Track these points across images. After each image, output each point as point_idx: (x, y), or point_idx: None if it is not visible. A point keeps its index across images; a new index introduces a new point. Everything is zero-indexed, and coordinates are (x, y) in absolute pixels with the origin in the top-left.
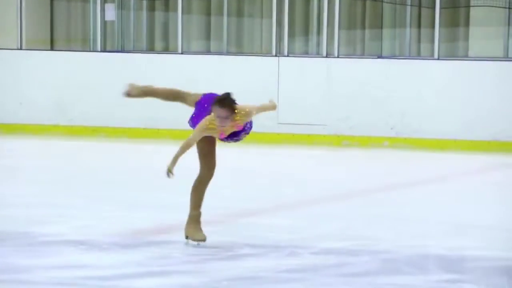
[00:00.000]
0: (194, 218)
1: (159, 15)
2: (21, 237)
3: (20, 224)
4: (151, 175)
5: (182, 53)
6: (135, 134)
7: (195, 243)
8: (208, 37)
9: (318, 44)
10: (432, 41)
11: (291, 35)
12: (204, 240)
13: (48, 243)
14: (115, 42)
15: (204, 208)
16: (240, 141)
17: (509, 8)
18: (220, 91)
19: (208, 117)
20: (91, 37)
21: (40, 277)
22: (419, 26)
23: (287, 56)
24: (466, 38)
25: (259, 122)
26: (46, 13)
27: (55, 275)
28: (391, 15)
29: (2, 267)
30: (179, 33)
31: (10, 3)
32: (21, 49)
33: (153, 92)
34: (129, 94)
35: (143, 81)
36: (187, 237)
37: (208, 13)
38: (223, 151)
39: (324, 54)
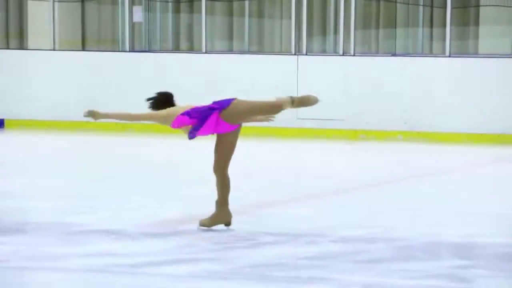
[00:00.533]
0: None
1: (184, 16)
2: (56, 227)
3: (54, 215)
4: (177, 167)
5: (206, 53)
6: (162, 129)
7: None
8: (230, 37)
9: (335, 43)
10: (443, 39)
11: (309, 34)
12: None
13: (81, 232)
14: (142, 43)
15: (232, 199)
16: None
17: None
18: (242, 88)
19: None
20: (120, 38)
21: (74, 265)
22: (431, 25)
23: (306, 54)
24: (476, 36)
25: (279, 117)
26: (77, 15)
27: (88, 263)
28: (404, 15)
29: (39, 255)
30: (203, 34)
31: (43, 6)
32: (54, 49)
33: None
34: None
35: (169, 80)
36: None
37: (230, 14)
38: (246, 145)
39: (341, 52)
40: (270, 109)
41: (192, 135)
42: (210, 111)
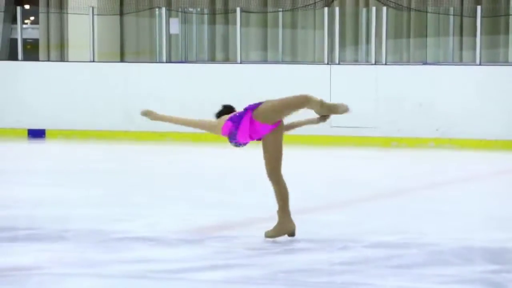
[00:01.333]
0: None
1: (219, 28)
2: (96, 235)
3: (94, 222)
4: (213, 175)
5: (241, 63)
6: (198, 138)
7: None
8: (265, 47)
9: (367, 52)
10: (474, 48)
11: (342, 44)
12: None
13: (119, 239)
14: (179, 54)
15: (264, 206)
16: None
17: None
18: (276, 97)
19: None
20: (157, 50)
21: (114, 271)
22: (461, 34)
23: (338, 64)
24: (506, 45)
25: (312, 126)
26: (116, 28)
27: (128, 269)
28: (435, 24)
29: (80, 262)
30: (238, 45)
31: (83, 19)
32: (93, 61)
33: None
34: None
35: (205, 90)
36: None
37: (264, 26)
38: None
39: (373, 61)
40: (298, 101)
41: (232, 140)
42: (243, 112)
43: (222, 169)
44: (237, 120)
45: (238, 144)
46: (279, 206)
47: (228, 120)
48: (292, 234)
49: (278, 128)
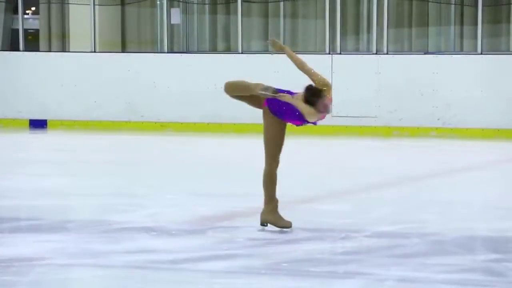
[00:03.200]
0: (274, 208)
1: (220, 18)
2: (98, 225)
3: (96, 213)
4: (214, 165)
5: (242, 53)
6: (199, 128)
7: (278, 229)
8: (266, 37)
9: (368, 42)
10: (475, 37)
11: (343, 34)
12: (290, 226)
13: (121, 230)
14: (180, 44)
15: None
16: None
17: None
18: (278, 86)
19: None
20: (158, 39)
21: (116, 261)
22: (462, 23)
23: (340, 53)
24: (508, 34)
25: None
26: (117, 18)
27: (129, 259)
28: (436, 13)
29: (82, 252)
30: (239, 34)
31: (84, 9)
32: (95, 51)
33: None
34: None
35: (206, 79)
36: (265, 224)
37: (266, 15)
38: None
39: (374, 51)
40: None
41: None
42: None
43: (224, 159)
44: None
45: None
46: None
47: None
48: (261, 223)
49: (265, 112)
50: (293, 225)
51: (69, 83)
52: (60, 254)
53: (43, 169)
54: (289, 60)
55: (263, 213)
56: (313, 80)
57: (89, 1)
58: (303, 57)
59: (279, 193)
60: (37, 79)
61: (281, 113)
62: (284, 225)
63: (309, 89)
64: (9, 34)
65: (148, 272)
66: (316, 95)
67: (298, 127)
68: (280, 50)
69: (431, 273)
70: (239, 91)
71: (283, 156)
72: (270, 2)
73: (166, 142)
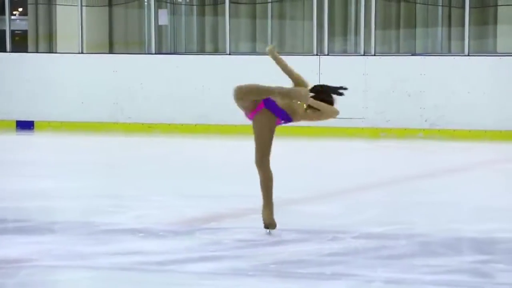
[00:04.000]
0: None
1: (208, 19)
2: (84, 226)
3: (82, 214)
4: (201, 167)
5: (230, 54)
6: (187, 130)
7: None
8: (254, 38)
9: (356, 43)
10: (462, 38)
11: (331, 35)
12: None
13: (108, 231)
14: (168, 45)
15: (253, 198)
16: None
17: None
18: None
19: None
20: (146, 41)
21: (103, 263)
22: (450, 25)
23: (327, 55)
24: (495, 35)
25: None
26: (105, 19)
27: (116, 261)
28: (423, 15)
29: (69, 254)
30: (227, 36)
31: (71, 10)
32: (82, 53)
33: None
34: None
35: (194, 81)
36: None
37: (253, 17)
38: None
39: (362, 52)
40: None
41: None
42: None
43: (211, 161)
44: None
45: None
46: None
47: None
48: (265, 226)
49: (259, 113)
50: (280, 227)
51: (56, 84)
52: (47, 256)
53: (29, 170)
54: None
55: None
56: (299, 85)
57: (76, 2)
58: (290, 59)
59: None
60: (24, 80)
61: (279, 113)
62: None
63: (321, 90)
64: None
65: (135, 273)
66: (330, 92)
67: (283, 126)
68: (273, 58)
69: (419, 274)
70: (258, 94)
71: (271, 157)
72: (258, 3)
73: (154, 144)
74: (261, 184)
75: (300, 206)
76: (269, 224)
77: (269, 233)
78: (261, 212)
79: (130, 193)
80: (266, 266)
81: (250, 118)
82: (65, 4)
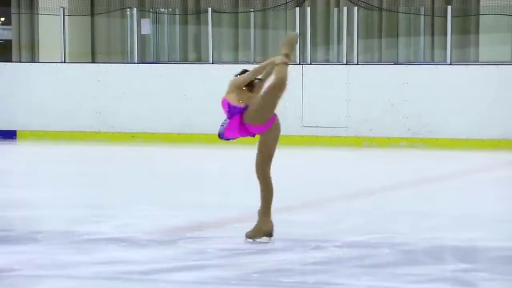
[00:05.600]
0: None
1: (191, 28)
2: (67, 236)
3: (65, 224)
4: (184, 176)
5: (213, 63)
6: (170, 139)
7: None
8: (236, 48)
9: (339, 52)
10: (444, 47)
11: (313, 44)
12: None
13: (91, 241)
14: (150, 54)
15: (236, 207)
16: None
17: None
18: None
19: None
20: (129, 50)
21: (85, 272)
22: (432, 34)
23: (310, 64)
24: (477, 44)
25: (284, 125)
26: (87, 28)
27: (99, 270)
28: (406, 24)
29: (51, 263)
30: (209, 45)
31: (54, 20)
32: (64, 62)
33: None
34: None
35: (177, 90)
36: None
37: (236, 26)
38: (251, 153)
39: (345, 61)
40: (270, 69)
41: (220, 134)
42: (235, 112)
43: (195, 170)
44: (229, 116)
45: (222, 136)
46: (261, 205)
47: (226, 106)
48: (269, 234)
49: (273, 125)
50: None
51: (39, 93)
52: (30, 266)
53: (12, 180)
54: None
55: (267, 225)
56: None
57: (59, 12)
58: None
59: (249, 203)
60: (6, 89)
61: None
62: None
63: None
64: None
65: (119, 283)
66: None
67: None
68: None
69: (401, 283)
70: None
71: (252, 166)
72: (240, 12)
73: (136, 153)
74: (265, 194)
75: (283, 215)
76: (270, 231)
77: (271, 241)
78: (258, 221)
79: (113, 203)
80: (249, 275)
81: (259, 132)
82: (48, 13)
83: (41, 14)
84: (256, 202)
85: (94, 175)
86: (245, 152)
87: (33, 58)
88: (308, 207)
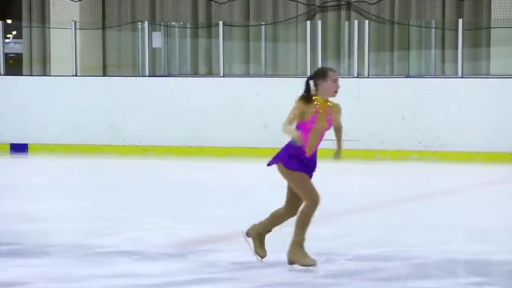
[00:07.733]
0: (300, 244)
1: (202, 41)
2: (79, 249)
3: (77, 237)
4: (195, 189)
5: (224, 76)
6: (181, 152)
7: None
8: (247, 60)
9: (350, 65)
10: (456, 60)
11: (324, 57)
12: (314, 264)
13: (103, 254)
14: (162, 68)
15: (248, 220)
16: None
17: None
18: (259, 110)
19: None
20: (140, 63)
21: (97, 286)
22: (443, 47)
23: None
24: (488, 58)
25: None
26: (98, 42)
27: (111, 284)
28: (417, 37)
29: (63, 276)
30: (220, 58)
31: (65, 33)
32: (76, 75)
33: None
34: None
35: (188, 103)
36: (292, 263)
37: (247, 39)
38: (261, 165)
39: (355, 74)
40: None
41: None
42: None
43: (206, 183)
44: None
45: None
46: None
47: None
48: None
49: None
50: (275, 249)
51: (50, 107)
52: (41, 279)
53: (23, 193)
54: (270, 84)
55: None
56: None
57: (70, 25)
58: (284, 81)
59: (262, 216)
60: (18, 103)
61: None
62: (309, 263)
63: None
64: None
65: None
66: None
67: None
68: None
69: None
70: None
71: (265, 180)
72: (252, 26)
73: (148, 166)
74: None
75: (294, 228)
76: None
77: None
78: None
79: (124, 216)
80: None
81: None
82: (59, 27)
83: (53, 27)
84: (266, 216)
85: (105, 188)
86: (256, 166)
87: (44, 71)
88: (319, 220)
